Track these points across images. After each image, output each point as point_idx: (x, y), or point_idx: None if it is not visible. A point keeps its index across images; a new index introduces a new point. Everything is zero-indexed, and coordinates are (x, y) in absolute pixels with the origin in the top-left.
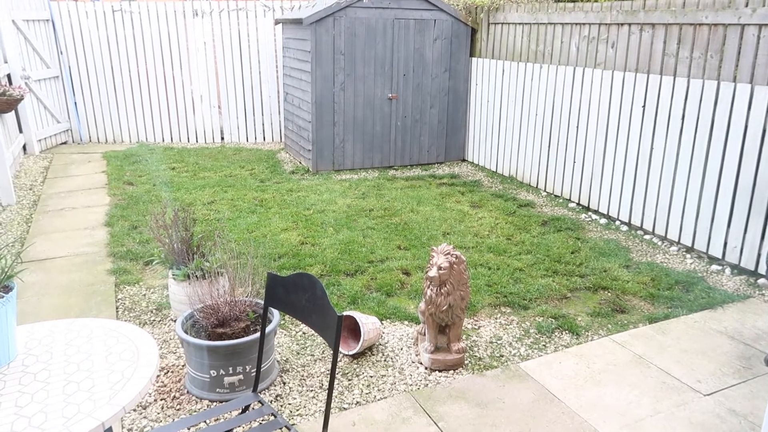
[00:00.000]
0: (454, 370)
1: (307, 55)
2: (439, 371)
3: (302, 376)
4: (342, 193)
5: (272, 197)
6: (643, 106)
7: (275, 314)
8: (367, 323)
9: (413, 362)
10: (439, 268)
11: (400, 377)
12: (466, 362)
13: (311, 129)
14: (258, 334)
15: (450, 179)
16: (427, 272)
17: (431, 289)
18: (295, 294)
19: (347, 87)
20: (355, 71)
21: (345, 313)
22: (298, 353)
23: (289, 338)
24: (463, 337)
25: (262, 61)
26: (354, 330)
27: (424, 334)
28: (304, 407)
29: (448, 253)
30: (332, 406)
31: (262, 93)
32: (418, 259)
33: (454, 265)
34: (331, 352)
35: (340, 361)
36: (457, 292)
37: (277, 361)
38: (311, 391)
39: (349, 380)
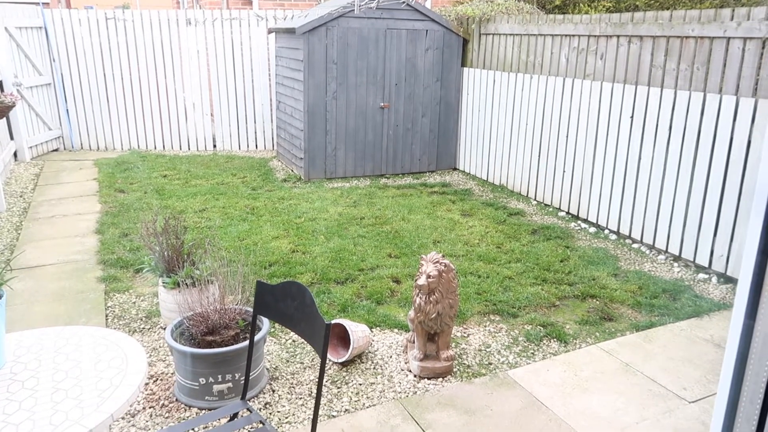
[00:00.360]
0: (443, 377)
1: (300, 65)
2: (428, 379)
3: (291, 383)
4: (333, 201)
5: (264, 205)
6: (631, 117)
7: (265, 322)
8: (357, 331)
9: (402, 370)
10: (428, 276)
11: (389, 385)
12: (454, 370)
13: (303, 137)
14: (247, 342)
15: (441, 188)
16: (416, 280)
17: (420, 297)
18: (284, 302)
19: (339, 96)
20: (348, 80)
21: (334, 321)
22: (288, 361)
23: (279, 346)
24: (452, 344)
25: (255, 70)
26: (343, 338)
27: (414, 342)
28: (293, 415)
29: (437, 262)
30: (321, 413)
31: (254, 101)
32: (408, 267)
33: (443, 274)
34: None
35: (330, 368)
36: (446, 300)
37: (267, 369)
38: (300, 398)
39: (338, 388)
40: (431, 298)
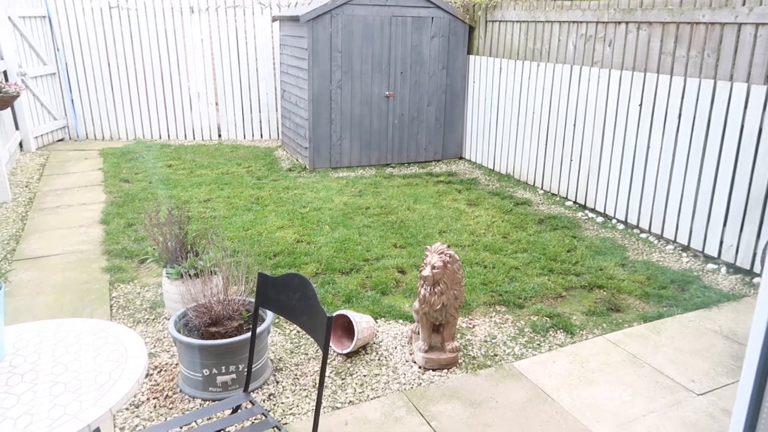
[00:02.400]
0: (448, 369)
1: (305, 53)
2: (433, 370)
3: (295, 375)
4: (339, 190)
5: (269, 195)
6: (640, 105)
7: (268, 313)
8: (361, 322)
9: (407, 361)
10: (433, 267)
11: (394, 376)
12: (460, 361)
13: (308, 126)
14: (250, 333)
15: (447, 177)
16: (421, 272)
17: (425, 288)
18: (286, 294)
19: (344, 84)
20: (353, 69)
21: (339, 312)
22: (292, 352)
23: (283, 337)
24: (458, 336)
25: (259, 59)
26: (348, 329)
27: (419, 333)
28: (297, 406)
29: (442, 252)
30: (325, 405)
31: (259, 90)
32: (413, 258)
33: (448, 265)
34: None
35: (334, 359)
36: (451, 292)
37: (271, 360)
38: (304, 390)
39: (343, 379)
40: (436, 290)
